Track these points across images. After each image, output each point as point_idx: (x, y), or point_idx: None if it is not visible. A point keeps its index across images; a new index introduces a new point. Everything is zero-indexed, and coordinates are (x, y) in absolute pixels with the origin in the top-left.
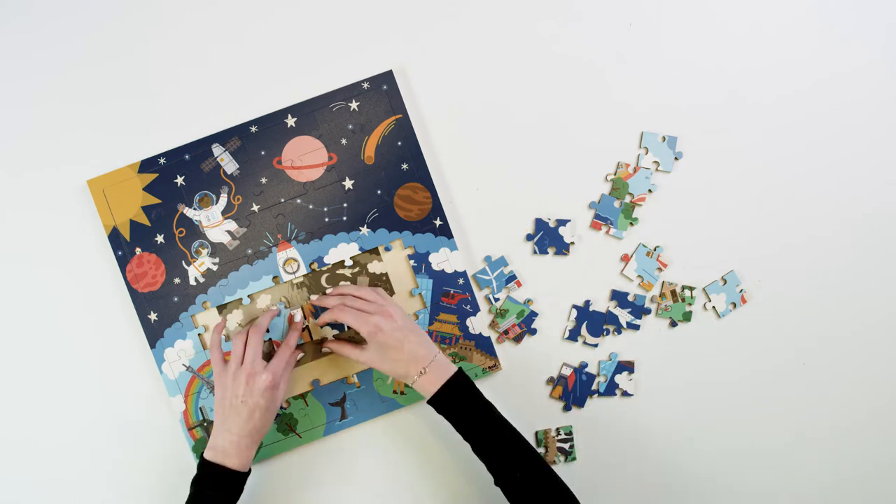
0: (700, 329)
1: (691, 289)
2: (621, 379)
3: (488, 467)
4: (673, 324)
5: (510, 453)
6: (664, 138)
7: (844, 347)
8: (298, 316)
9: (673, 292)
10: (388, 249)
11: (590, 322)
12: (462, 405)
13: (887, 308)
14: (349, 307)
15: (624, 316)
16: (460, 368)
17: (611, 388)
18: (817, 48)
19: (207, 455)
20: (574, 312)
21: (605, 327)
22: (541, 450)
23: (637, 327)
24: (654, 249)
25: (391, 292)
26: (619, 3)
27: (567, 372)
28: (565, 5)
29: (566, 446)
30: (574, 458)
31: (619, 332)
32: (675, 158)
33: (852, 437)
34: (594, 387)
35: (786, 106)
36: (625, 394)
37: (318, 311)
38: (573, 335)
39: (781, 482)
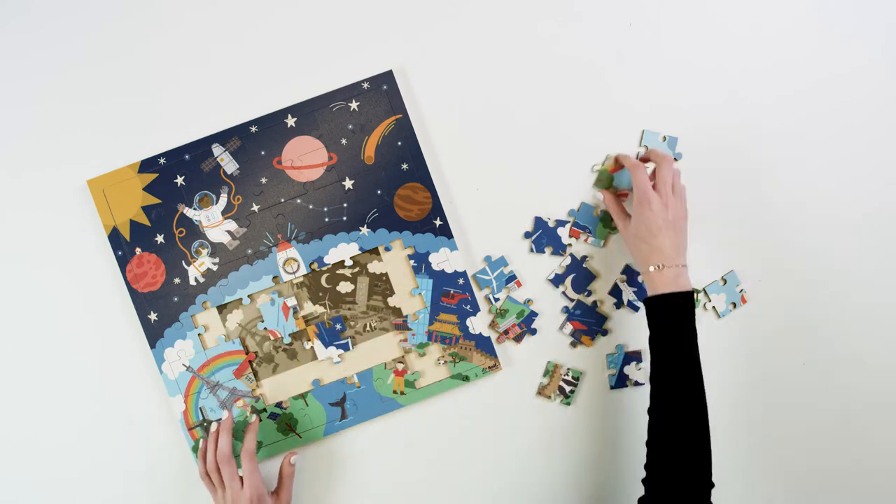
0: (700, 329)
1: (698, 291)
2: (630, 370)
3: (651, 393)
4: None
5: (682, 392)
6: (665, 138)
7: (844, 347)
8: (253, 418)
9: None
10: (388, 249)
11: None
12: (672, 319)
13: (887, 308)
14: (643, 170)
15: (628, 293)
16: (693, 291)
17: (621, 381)
18: (817, 48)
19: None
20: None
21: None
22: (544, 379)
23: (636, 308)
24: None
25: (391, 292)
26: (618, 2)
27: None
28: (565, 5)
29: (567, 389)
30: (569, 403)
31: (618, 307)
32: (675, 159)
33: (852, 436)
34: (565, 402)
35: (786, 106)
36: (636, 383)
37: None
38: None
39: (781, 482)
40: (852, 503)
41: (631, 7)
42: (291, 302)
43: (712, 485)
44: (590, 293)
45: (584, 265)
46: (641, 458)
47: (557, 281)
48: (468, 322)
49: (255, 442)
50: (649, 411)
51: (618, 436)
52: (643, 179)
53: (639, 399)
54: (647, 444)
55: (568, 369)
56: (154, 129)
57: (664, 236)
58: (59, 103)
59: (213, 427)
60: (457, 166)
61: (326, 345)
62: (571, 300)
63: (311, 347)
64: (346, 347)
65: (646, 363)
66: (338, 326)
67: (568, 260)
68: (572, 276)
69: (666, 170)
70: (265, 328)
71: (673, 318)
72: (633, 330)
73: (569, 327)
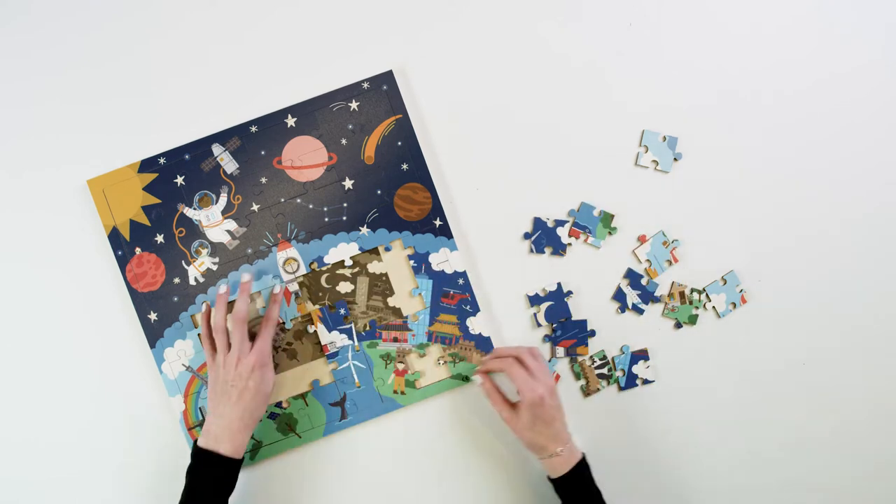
0: (700, 329)
1: (699, 291)
2: (639, 369)
3: None
4: (678, 325)
5: None
6: (665, 138)
7: (844, 347)
8: (277, 287)
9: (682, 293)
10: (388, 249)
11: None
12: (579, 489)
13: (887, 308)
14: (519, 366)
15: (632, 297)
16: (584, 455)
17: (631, 380)
18: (817, 48)
19: (200, 442)
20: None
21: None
22: (581, 381)
23: (641, 311)
24: (672, 241)
25: (391, 292)
26: (618, 2)
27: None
28: (566, 5)
29: (605, 370)
30: (618, 381)
31: (623, 311)
32: (675, 159)
33: (852, 436)
34: (612, 376)
35: (786, 106)
36: (646, 382)
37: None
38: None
39: (781, 482)
40: (853, 502)
41: (631, 7)
42: (293, 287)
43: None
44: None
45: (565, 299)
46: (639, 456)
47: (535, 301)
48: (468, 322)
49: (278, 312)
50: None
51: (630, 436)
52: (523, 377)
53: (649, 398)
54: None
55: (591, 357)
56: (154, 128)
57: (557, 422)
58: (59, 103)
59: (223, 288)
60: (457, 166)
61: (330, 329)
62: (540, 325)
63: (315, 332)
64: (349, 333)
65: (653, 360)
66: (342, 311)
67: (554, 286)
68: (549, 304)
69: (529, 357)
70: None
71: (583, 487)
72: (636, 330)
73: (560, 350)
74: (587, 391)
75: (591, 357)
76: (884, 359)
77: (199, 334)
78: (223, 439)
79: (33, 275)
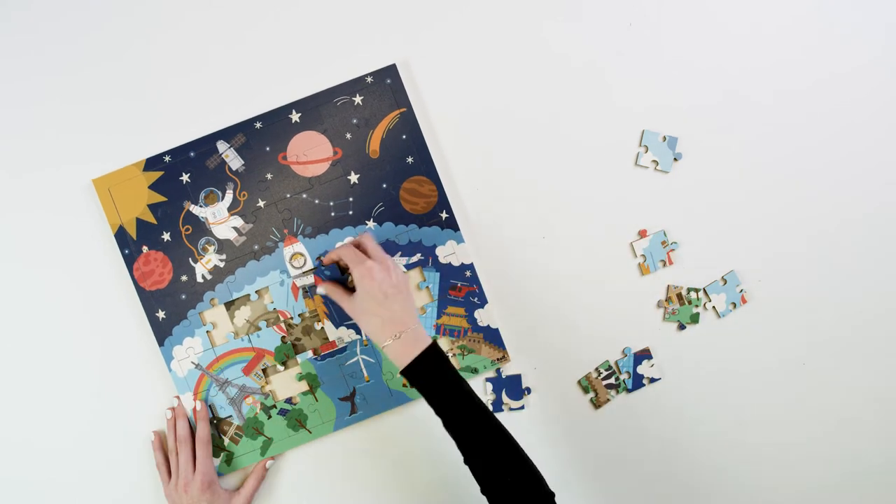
0: (700, 329)
1: (697, 290)
2: (644, 368)
3: (458, 444)
4: (681, 327)
5: (479, 430)
6: (665, 138)
7: (844, 347)
8: (198, 405)
9: (679, 295)
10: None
11: (508, 388)
12: (434, 378)
13: (887, 308)
14: (354, 247)
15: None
16: (435, 341)
17: (637, 381)
18: (817, 48)
19: None
20: (490, 385)
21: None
22: (590, 394)
23: None
24: (671, 243)
25: None
26: (618, 2)
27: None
28: (566, 5)
29: (612, 380)
30: (628, 388)
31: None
32: (675, 159)
33: (852, 436)
34: (620, 385)
35: (785, 106)
36: (652, 380)
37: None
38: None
39: (781, 482)
40: (853, 502)
41: (631, 7)
42: (300, 283)
43: (552, 494)
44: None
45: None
46: (638, 456)
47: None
48: (476, 314)
49: (209, 429)
50: (466, 462)
51: (617, 436)
52: (354, 252)
53: (655, 399)
54: (482, 490)
55: (597, 369)
56: (159, 126)
57: (393, 301)
58: (62, 102)
59: (169, 415)
60: (462, 159)
61: (337, 325)
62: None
63: (322, 328)
64: (357, 328)
65: (657, 359)
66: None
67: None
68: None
69: (371, 241)
70: (274, 308)
71: (436, 373)
72: (638, 334)
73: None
74: (597, 403)
75: (597, 369)
76: (884, 358)
77: (229, 384)
78: None
79: (40, 275)
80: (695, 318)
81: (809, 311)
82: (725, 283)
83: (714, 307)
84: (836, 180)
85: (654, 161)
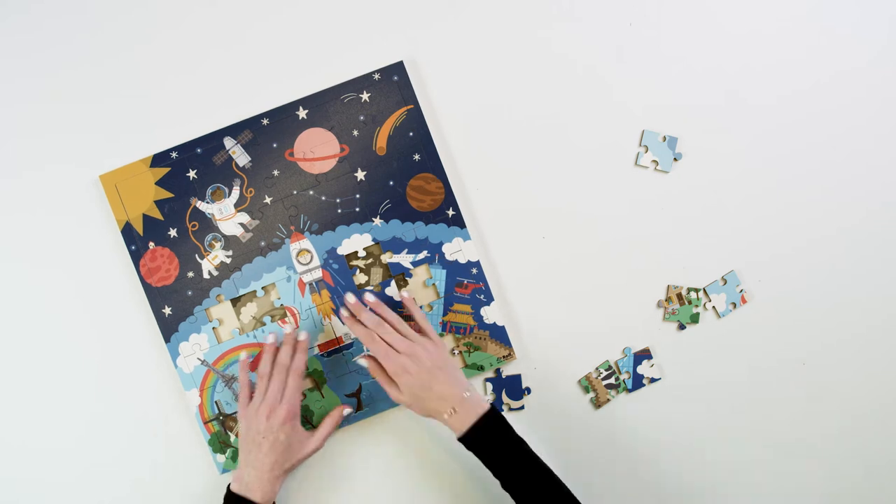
0: (700, 329)
1: (697, 290)
2: (644, 368)
3: (516, 502)
4: (681, 327)
5: (540, 491)
6: (665, 138)
7: (844, 347)
8: (302, 335)
9: (679, 295)
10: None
11: (508, 388)
12: (492, 444)
13: (887, 308)
14: (380, 340)
15: None
16: (492, 405)
17: (637, 381)
18: (817, 48)
19: (233, 487)
20: (490, 386)
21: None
22: (591, 395)
23: None
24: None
25: (404, 283)
26: (619, 3)
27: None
28: (566, 5)
29: (612, 380)
30: (627, 388)
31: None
32: (675, 159)
33: (852, 436)
34: (620, 385)
35: (786, 106)
36: (652, 380)
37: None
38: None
39: (781, 482)
40: (852, 502)
41: (631, 7)
42: (307, 278)
43: None
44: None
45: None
46: (639, 457)
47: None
48: (482, 312)
49: (306, 363)
50: None
51: (639, 436)
52: (383, 351)
53: (656, 399)
54: None
55: (597, 369)
56: (166, 123)
57: (437, 383)
58: (69, 99)
59: (270, 338)
60: (469, 156)
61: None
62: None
63: (330, 324)
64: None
65: (657, 359)
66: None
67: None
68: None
69: (378, 349)
70: (281, 304)
71: (494, 438)
72: (638, 335)
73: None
74: (597, 403)
75: (597, 369)
76: (884, 358)
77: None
78: (254, 488)
79: (47, 271)
80: (695, 318)
81: (809, 311)
82: (725, 283)
83: (714, 307)
84: (836, 180)
85: (654, 161)
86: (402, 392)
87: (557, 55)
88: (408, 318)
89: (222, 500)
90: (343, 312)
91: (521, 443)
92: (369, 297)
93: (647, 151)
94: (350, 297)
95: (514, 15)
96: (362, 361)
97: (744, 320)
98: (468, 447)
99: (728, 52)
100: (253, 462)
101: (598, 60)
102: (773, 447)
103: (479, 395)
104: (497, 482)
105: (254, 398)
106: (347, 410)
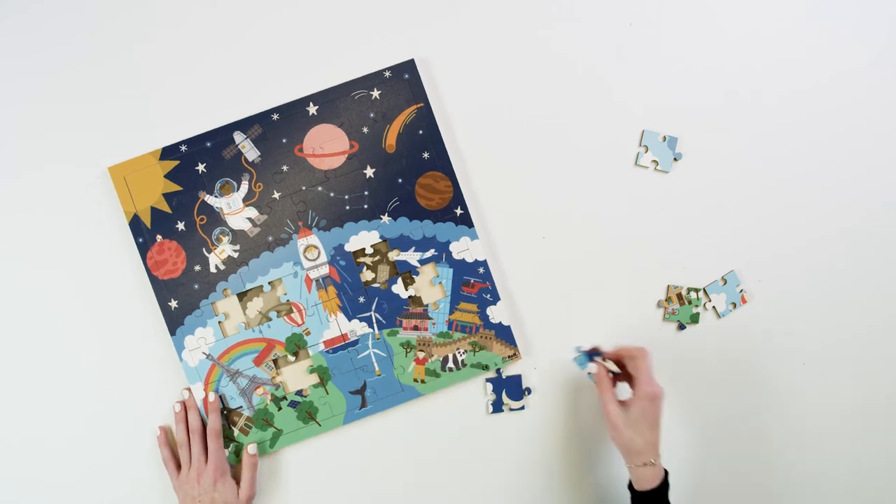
0: (700, 329)
1: (697, 290)
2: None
3: None
4: (681, 327)
5: None
6: (665, 138)
7: (844, 347)
8: (212, 396)
9: (679, 295)
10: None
11: (508, 388)
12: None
13: (887, 308)
14: (649, 361)
15: None
16: (666, 472)
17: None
18: (817, 48)
19: None
20: (490, 386)
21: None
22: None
23: None
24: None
25: (411, 281)
26: (619, 3)
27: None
28: (572, 5)
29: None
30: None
31: None
32: (675, 159)
33: (852, 436)
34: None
35: (786, 106)
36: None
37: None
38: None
39: (780, 482)
40: (852, 502)
41: (631, 7)
42: (314, 274)
43: None
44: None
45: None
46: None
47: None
48: (488, 311)
49: (220, 421)
50: None
51: None
52: (647, 370)
53: None
54: None
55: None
56: (175, 116)
57: (657, 430)
58: (69, 99)
59: (178, 407)
60: (478, 155)
61: (350, 318)
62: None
63: (336, 321)
64: (369, 321)
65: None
66: (361, 299)
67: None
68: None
69: (647, 364)
70: (287, 300)
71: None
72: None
73: None
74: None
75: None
76: (884, 358)
77: (240, 375)
78: None
79: (55, 262)
80: (695, 318)
81: (809, 311)
82: (725, 283)
83: (714, 307)
84: (836, 180)
85: (654, 161)
86: (630, 413)
87: (557, 55)
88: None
89: None
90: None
91: None
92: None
93: (647, 151)
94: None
95: (514, 15)
96: (593, 367)
97: (744, 320)
98: (635, 500)
99: (728, 52)
100: None
101: (598, 60)
102: (773, 447)
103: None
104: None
105: (181, 468)
106: (252, 449)
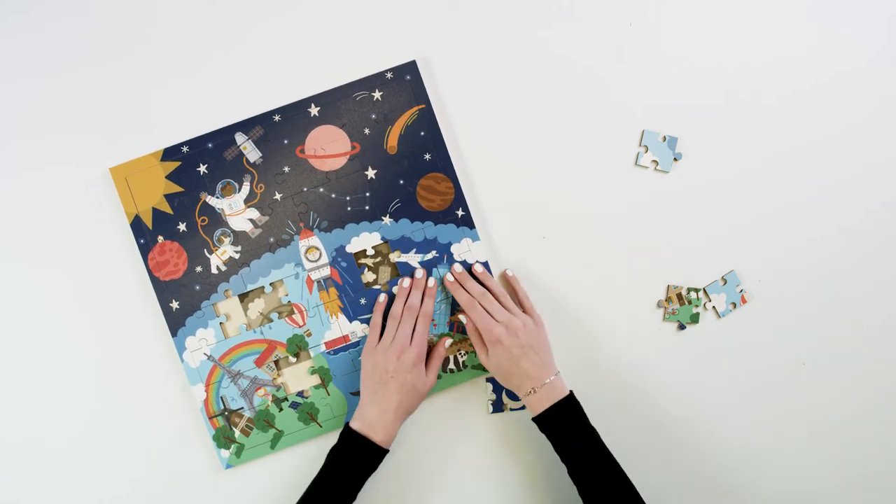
0: (700, 329)
1: (697, 290)
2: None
3: (580, 492)
4: (681, 327)
5: (604, 482)
6: (665, 138)
7: (844, 347)
8: (431, 281)
9: (679, 295)
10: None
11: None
12: (564, 427)
13: (887, 308)
14: (482, 307)
15: None
16: (571, 392)
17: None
18: (817, 48)
19: (354, 425)
20: (490, 385)
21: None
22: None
23: None
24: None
25: None
26: (619, 3)
27: None
28: (572, 5)
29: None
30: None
31: None
32: (675, 159)
33: (852, 436)
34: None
35: (786, 106)
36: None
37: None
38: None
39: (780, 482)
40: (852, 503)
41: (631, 7)
42: (315, 275)
43: None
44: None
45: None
46: (639, 458)
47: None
48: None
49: (433, 307)
50: None
51: (639, 436)
52: (481, 317)
53: (651, 399)
54: None
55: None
56: (177, 117)
57: (525, 360)
58: (69, 99)
59: (406, 282)
60: (479, 157)
61: (351, 319)
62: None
63: (337, 322)
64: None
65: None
66: (362, 301)
67: None
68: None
69: (477, 316)
70: (289, 301)
71: (568, 422)
72: (637, 336)
73: None
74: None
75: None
76: (884, 358)
77: (241, 376)
78: (377, 428)
79: (54, 262)
80: (695, 318)
81: (809, 311)
82: (725, 283)
83: (714, 307)
84: (836, 180)
85: (654, 161)
86: (490, 359)
87: (557, 55)
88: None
89: (336, 441)
90: (448, 277)
91: (592, 431)
92: (478, 268)
93: (647, 151)
94: (458, 266)
95: (514, 15)
96: (462, 318)
97: (744, 320)
98: (541, 429)
99: (728, 52)
100: (378, 401)
101: (598, 60)
102: (773, 447)
103: (562, 382)
104: (506, 475)
105: (383, 339)
106: (448, 342)
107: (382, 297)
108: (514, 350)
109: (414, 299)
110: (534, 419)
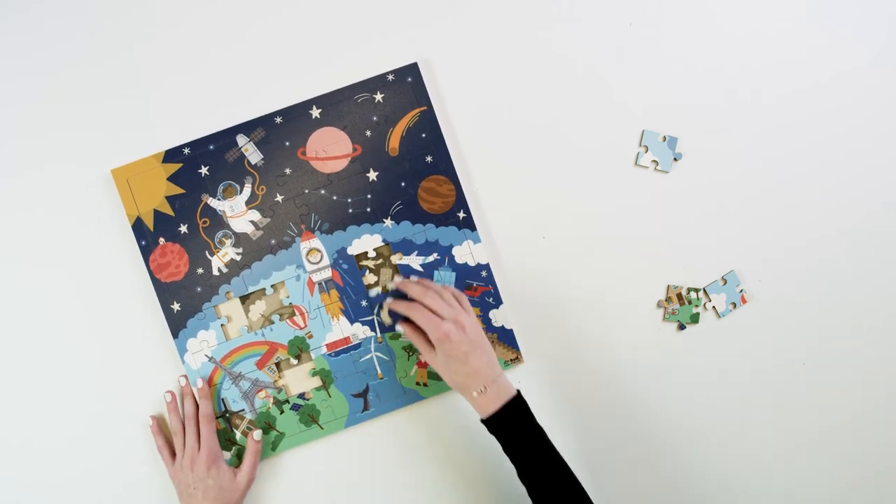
0: (700, 329)
1: (697, 290)
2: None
3: (529, 493)
4: (681, 327)
5: (553, 482)
6: (665, 138)
7: (844, 347)
8: (200, 382)
9: (679, 295)
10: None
11: None
12: (513, 429)
13: (887, 308)
14: (425, 307)
15: None
16: (518, 392)
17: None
18: (817, 48)
19: None
20: None
21: None
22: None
23: None
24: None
25: None
26: (619, 2)
27: None
28: (572, 5)
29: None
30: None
31: None
32: (675, 159)
33: (852, 437)
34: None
35: (786, 106)
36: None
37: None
38: None
39: (780, 482)
40: (853, 502)
41: (631, 7)
42: (317, 277)
43: None
44: None
45: None
46: (639, 457)
47: None
48: (491, 314)
49: (213, 407)
50: None
51: (639, 436)
52: (426, 316)
53: (649, 399)
54: None
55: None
56: (178, 119)
57: (475, 358)
58: (69, 99)
59: (169, 397)
60: (481, 159)
61: (352, 321)
62: None
63: (338, 324)
64: (371, 324)
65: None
66: (363, 303)
67: None
68: None
69: (420, 315)
70: (290, 303)
71: (516, 424)
72: (637, 337)
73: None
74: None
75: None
76: (884, 358)
77: (242, 378)
78: None
79: (55, 262)
80: (695, 318)
81: (809, 311)
82: (725, 283)
83: (714, 307)
84: (836, 180)
85: (654, 161)
86: (438, 357)
87: (557, 55)
88: None
89: None
90: (388, 300)
91: (540, 431)
92: (413, 277)
93: (647, 151)
94: (398, 278)
95: (514, 15)
96: (400, 328)
97: (744, 320)
98: (490, 430)
99: (728, 52)
100: None
101: (598, 60)
102: (773, 447)
103: (507, 381)
104: (507, 478)
105: (176, 457)
106: (258, 435)
107: (151, 422)
108: (464, 346)
109: (188, 407)
110: (483, 421)
